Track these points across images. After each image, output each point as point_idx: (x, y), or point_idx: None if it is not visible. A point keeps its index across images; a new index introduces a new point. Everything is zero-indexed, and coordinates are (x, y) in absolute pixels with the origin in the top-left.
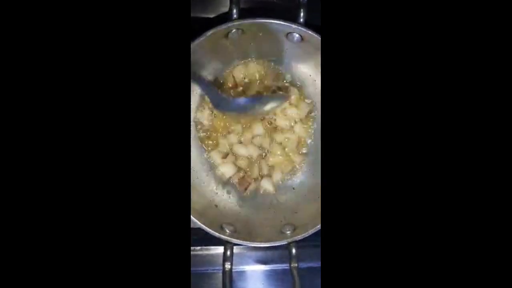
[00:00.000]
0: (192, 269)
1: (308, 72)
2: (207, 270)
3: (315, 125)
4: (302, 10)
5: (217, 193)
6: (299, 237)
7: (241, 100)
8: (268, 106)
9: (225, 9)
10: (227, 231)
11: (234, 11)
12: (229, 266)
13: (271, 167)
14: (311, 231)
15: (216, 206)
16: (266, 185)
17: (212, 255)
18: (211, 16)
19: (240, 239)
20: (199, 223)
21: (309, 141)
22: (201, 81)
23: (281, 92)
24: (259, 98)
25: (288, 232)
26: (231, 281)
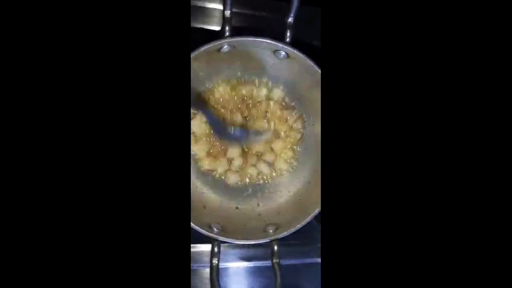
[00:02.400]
0: None
1: (292, 85)
2: (193, 267)
3: (303, 137)
4: (289, 30)
5: (203, 193)
6: (281, 236)
7: (238, 132)
8: (258, 139)
9: (218, 19)
10: (215, 229)
11: (227, 28)
12: (216, 262)
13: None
14: (292, 230)
15: (205, 207)
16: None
17: (197, 252)
18: (205, 27)
19: (227, 237)
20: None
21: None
22: (207, 112)
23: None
24: (253, 132)
25: (271, 231)
26: (218, 275)
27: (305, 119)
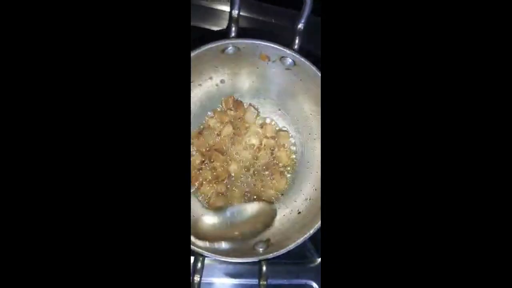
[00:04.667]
0: None
1: (297, 94)
2: None
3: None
4: (297, 37)
5: (192, 204)
6: (270, 256)
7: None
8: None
9: (225, 22)
10: (200, 244)
11: (233, 29)
12: (198, 279)
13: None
14: (282, 251)
15: (193, 216)
16: None
17: None
18: (212, 28)
19: (212, 253)
20: None
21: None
22: None
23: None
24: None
25: (261, 249)
26: None
27: (309, 133)
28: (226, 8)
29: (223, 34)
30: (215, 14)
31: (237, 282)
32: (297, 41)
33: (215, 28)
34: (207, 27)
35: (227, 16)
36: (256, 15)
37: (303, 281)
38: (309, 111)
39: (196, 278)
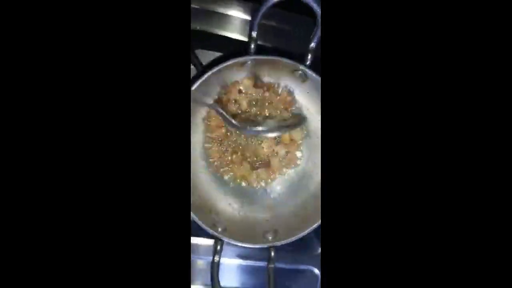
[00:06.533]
0: None
1: (306, 105)
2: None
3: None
4: (310, 53)
5: (215, 195)
6: (278, 243)
7: (250, 130)
8: (272, 134)
9: (243, 31)
10: (219, 229)
11: (252, 46)
12: (218, 259)
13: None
14: (288, 240)
15: (210, 211)
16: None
17: (197, 245)
18: (228, 35)
19: (228, 238)
20: (196, 218)
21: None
22: (216, 108)
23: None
24: (265, 130)
25: (270, 237)
26: (218, 271)
27: (317, 137)
28: (240, 14)
29: (240, 44)
30: (229, 21)
31: (245, 263)
32: (309, 56)
33: (229, 35)
34: (222, 33)
35: (241, 22)
36: (271, 22)
37: (305, 267)
38: (318, 118)
39: (216, 258)
